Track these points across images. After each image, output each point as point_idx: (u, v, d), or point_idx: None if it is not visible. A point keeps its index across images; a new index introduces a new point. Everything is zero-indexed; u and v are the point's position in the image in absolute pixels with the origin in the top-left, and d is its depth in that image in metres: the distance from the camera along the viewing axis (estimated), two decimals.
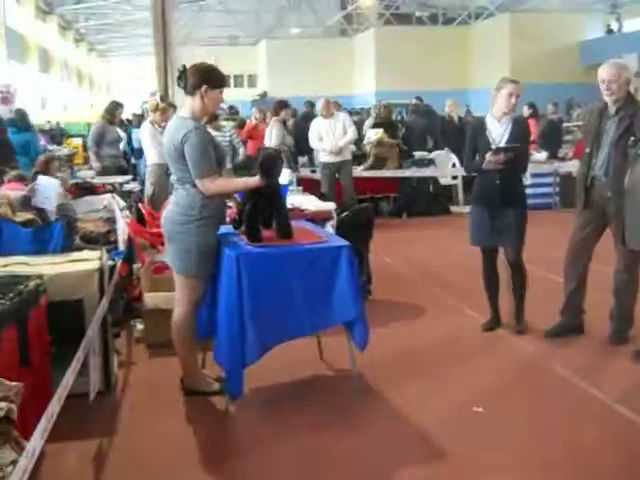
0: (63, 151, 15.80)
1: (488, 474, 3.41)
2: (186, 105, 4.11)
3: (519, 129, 5.17)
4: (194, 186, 3.98)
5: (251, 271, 3.86)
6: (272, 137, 10.25)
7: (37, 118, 21.11)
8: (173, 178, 4.17)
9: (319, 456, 3.58)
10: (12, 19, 24.26)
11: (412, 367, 4.76)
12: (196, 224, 4.01)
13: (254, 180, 4.09)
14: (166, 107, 8.87)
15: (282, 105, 10.81)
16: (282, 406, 4.17)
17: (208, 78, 4.04)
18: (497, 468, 3.44)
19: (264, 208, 4.16)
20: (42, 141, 16.17)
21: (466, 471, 3.42)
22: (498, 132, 5.14)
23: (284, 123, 10.88)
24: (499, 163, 5.02)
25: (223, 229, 4.28)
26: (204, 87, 4.01)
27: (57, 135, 20.38)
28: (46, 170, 6.96)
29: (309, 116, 12.74)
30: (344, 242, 4.15)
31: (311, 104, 13.37)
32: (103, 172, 9.35)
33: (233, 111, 15.67)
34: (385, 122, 11.96)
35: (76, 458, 3.57)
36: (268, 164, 4.07)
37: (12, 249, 4.75)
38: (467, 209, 11.36)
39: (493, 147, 5.08)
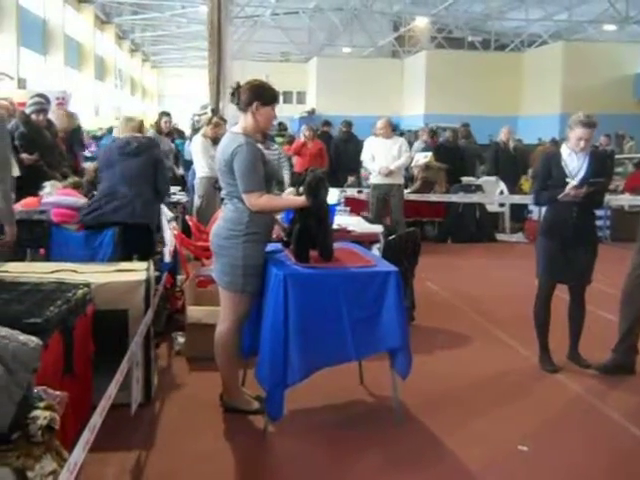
0: None
1: None
2: (239, 121, 4.12)
3: (599, 163, 5.08)
4: (242, 201, 3.97)
5: (298, 291, 3.81)
6: None
7: (90, 124, 21.52)
8: (223, 193, 4.16)
9: None
10: (71, 28, 24.81)
11: (455, 399, 4.65)
12: (243, 239, 4.00)
13: (300, 200, 4.06)
14: (219, 122, 8.92)
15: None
16: (321, 431, 4.09)
17: (260, 95, 4.06)
18: None
19: (313, 228, 4.11)
20: (93, 147, 16.45)
21: None
22: (575, 165, 5.02)
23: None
24: (578, 197, 4.91)
25: (271, 247, 4.25)
26: (255, 104, 4.02)
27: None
28: (95, 178, 7.04)
29: (349, 136, 12.72)
30: (393, 267, 4.08)
31: (349, 124, 13.33)
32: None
33: (282, 127, 15.75)
34: (448, 146, 11.91)
35: (114, 470, 3.54)
36: (315, 184, 4.03)
37: (64, 254, 4.82)
38: (514, 238, 11.48)
39: (569, 180, 4.96)
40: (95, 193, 5.72)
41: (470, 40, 35.97)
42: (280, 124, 15.84)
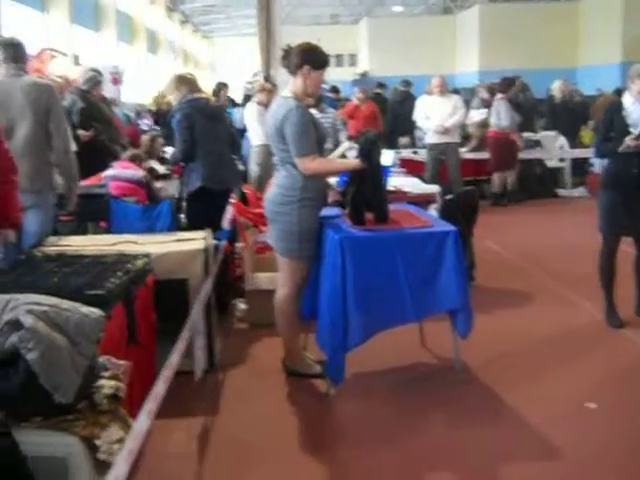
0: None
1: (602, 474, 3.23)
2: (289, 85, 4.08)
3: None
4: (295, 167, 3.95)
5: (355, 255, 3.79)
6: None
7: (145, 98, 21.72)
8: (275, 159, 4.14)
9: (422, 449, 3.47)
10: (122, 2, 24.97)
11: (518, 357, 4.59)
12: (298, 205, 3.98)
13: (354, 162, 4.04)
14: (272, 87, 8.87)
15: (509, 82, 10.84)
16: (383, 394, 4.09)
17: (311, 59, 4.01)
18: (611, 468, 3.26)
19: (367, 191, 4.07)
20: (149, 120, 16.60)
21: (580, 470, 3.25)
22: (637, 114, 4.82)
23: None
24: (639, 148, 4.74)
25: (325, 211, 4.23)
26: (306, 67, 3.97)
27: (162, 115, 20.82)
28: (151, 148, 7.11)
29: (407, 96, 12.53)
30: (451, 227, 4.02)
31: (408, 83, 13.10)
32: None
33: (334, 90, 15.46)
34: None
35: (180, 436, 3.61)
36: (368, 147, 3.98)
37: (124, 226, 4.90)
38: (575, 193, 11.20)
39: (631, 130, 4.78)
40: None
41: None
42: (334, 88, 15.58)
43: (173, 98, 5.50)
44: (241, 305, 5.42)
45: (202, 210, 5.45)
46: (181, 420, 3.72)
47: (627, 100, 4.92)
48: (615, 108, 5.02)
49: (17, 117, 4.47)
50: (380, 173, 4.14)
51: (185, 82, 5.50)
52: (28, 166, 4.40)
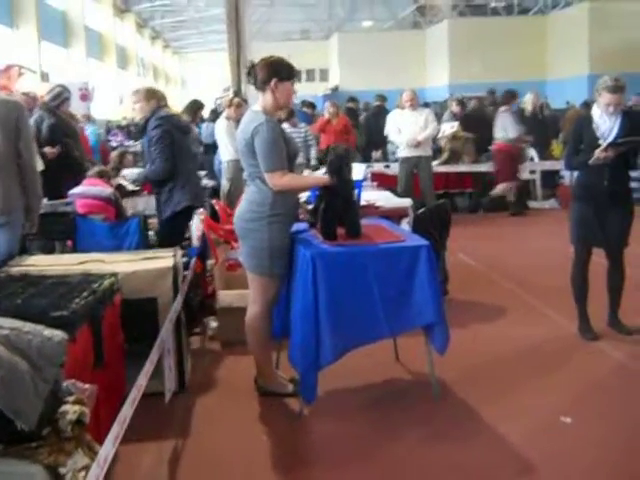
0: (138, 147, 16.03)
1: None
2: (258, 100, 4.02)
3: (632, 124, 4.84)
4: (264, 182, 3.88)
5: (327, 271, 3.73)
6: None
7: (115, 114, 21.57)
8: (245, 174, 4.08)
9: (397, 465, 3.42)
10: (91, 18, 24.84)
11: (493, 372, 4.56)
12: (267, 221, 3.92)
13: (324, 178, 4.00)
14: (240, 102, 8.82)
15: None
16: (357, 411, 4.03)
17: (277, 71, 3.94)
18: None
19: (338, 206, 4.02)
20: (119, 136, 16.49)
21: None
22: (606, 126, 4.85)
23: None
24: (608, 159, 4.75)
25: (296, 226, 4.17)
26: (274, 80, 3.91)
27: (133, 131, 20.73)
28: (120, 164, 7.02)
29: (381, 110, 12.57)
30: (423, 241, 3.98)
31: (382, 97, 13.15)
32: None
33: (306, 104, 15.41)
34: (476, 115, 11.73)
35: (150, 459, 3.52)
36: (337, 163, 3.94)
37: (91, 245, 4.81)
38: (546, 205, 11.26)
39: (601, 142, 4.80)
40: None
41: (493, 6, 35.24)
42: (307, 103, 15.53)
43: (138, 109, 5.34)
44: (212, 323, 5.33)
45: (180, 228, 5.41)
46: (151, 444, 3.63)
47: (595, 113, 4.95)
48: (584, 121, 5.05)
49: None
50: (351, 188, 4.11)
51: (154, 96, 5.38)
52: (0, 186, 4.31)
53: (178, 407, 4.02)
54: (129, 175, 5.78)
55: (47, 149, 6.68)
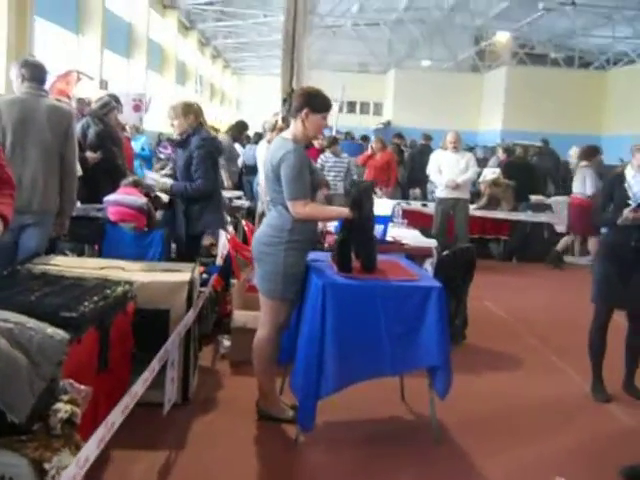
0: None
1: None
2: (290, 127, 4.10)
3: None
4: (286, 209, 3.95)
5: (336, 301, 3.76)
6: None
7: (167, 127, 21.93)
8: (268, 199, 4.15)
9: None
10: (155, 32, 25.44)
11: (498, 422, 4.51)
12: (285, 246, 3.97)
13: (345, 211, 4.02)
14: (283, 127, 8.92)
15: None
16: (355, 445, 4.02)
17: (310, 102, 4.01)
18: None
19: (356, 239, 4.06)
20: (168, 149, 16.76)
21: None
22: (638, 187, 4.81)
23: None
24: (637, 220, 4.72)
25: (313, 255, 4.22)
26: (305, 110, 3.98)
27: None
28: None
29: (426, 149, 12.64)
30: (436, 283, 3.99)
31: (428, 137, 13.23)
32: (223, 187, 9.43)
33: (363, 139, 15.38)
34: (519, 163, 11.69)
35: (142, 468, 3.56)
36: (359, 196, 3.99)
37: (116, 251, 4.93)
38: (583, 261, 11.10)
39: (631, 202, 4.77)
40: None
41: (553, 57, 35.15)
42: (364, 136, 15.43)
43: (177, 125, 5.41)
44: (226, 342, 5.39)
45: (200, 246, 5.54)
46: (145, 452, 3.68)
47: (629, 172, 4.92)
48: (617, 179, 5.02)
49: (35, 137, 4.57)
50: (371, 223, 4.14)
51: (191, 110, 5.41)
52: (39, 187, 4.51)
53: (177, 420, 4.07)
54: (158, 181, 5.67)
55: (89, 154, 6.85)
